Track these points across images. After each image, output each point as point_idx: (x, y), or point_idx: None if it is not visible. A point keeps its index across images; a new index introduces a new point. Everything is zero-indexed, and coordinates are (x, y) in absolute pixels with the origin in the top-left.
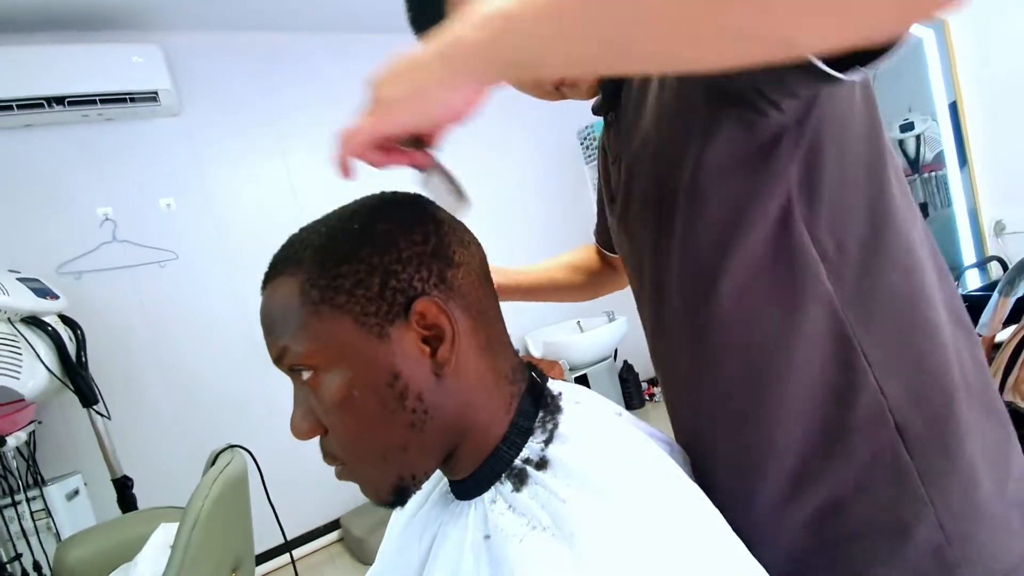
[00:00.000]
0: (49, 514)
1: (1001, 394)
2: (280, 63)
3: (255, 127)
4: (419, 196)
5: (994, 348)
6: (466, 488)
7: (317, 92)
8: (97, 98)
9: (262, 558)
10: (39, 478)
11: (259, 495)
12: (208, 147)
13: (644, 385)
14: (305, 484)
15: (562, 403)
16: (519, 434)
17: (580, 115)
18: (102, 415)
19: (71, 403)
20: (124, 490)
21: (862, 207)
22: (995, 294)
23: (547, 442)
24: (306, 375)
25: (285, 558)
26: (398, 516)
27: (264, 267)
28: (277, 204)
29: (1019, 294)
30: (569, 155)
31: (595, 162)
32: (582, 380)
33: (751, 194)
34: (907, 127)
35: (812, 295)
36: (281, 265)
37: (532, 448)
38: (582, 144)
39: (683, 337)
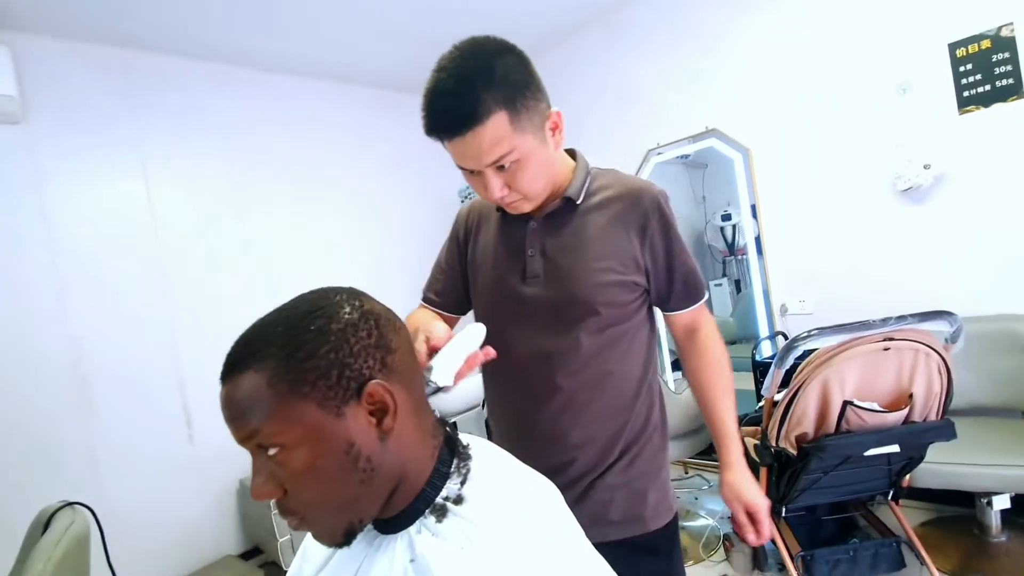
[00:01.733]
0: None
1: (776, 442)
2: (150, 85)
3: (114, 146)
4: (356, 291)
5: (773, 406)
6: (394, 524)
7: (191, 120)
8: None
9: None
10: None
11: (95, 556)
12: (52, 162)
13: None
14: (136, 544)
15: (471, 452)
16: (440, 477)
17: (460, 174)
18: None
19: None
20: None
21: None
22: (772, 366)
23: (462, 483)
24: (273, 451)
25: None
26: (303, 566)
27: (105, 297)
28: (132, 231)
29: (787, 366)
30: (447, 209)
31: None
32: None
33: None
34: (726, 217)
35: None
36: (247, 360)
37: (450, 488)
38: (461, 201)
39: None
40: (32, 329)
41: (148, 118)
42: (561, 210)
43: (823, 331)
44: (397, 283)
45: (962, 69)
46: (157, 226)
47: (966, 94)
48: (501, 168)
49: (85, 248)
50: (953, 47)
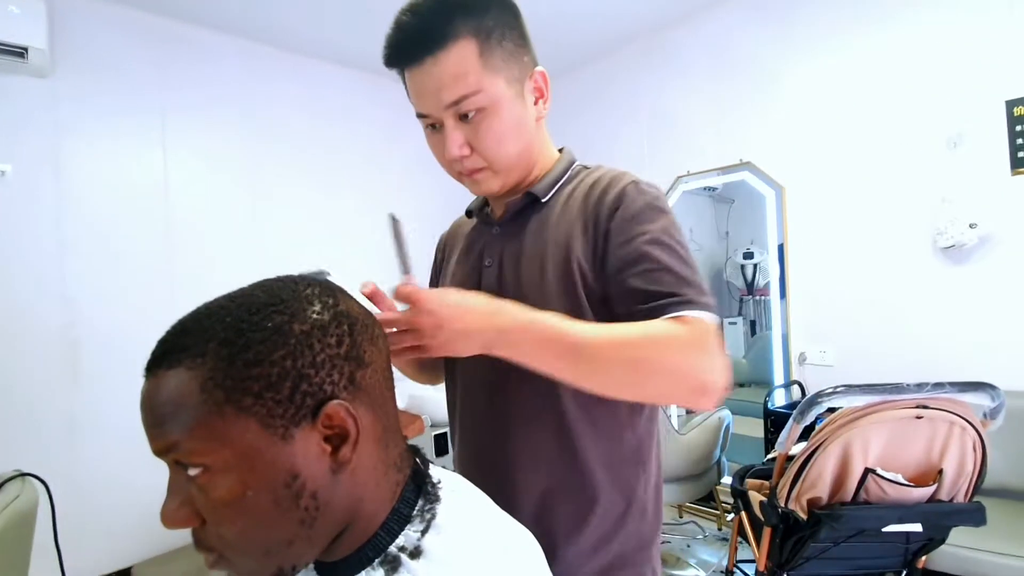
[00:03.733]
0: None
1: (785, 503)
2: (179, 54)
3: (137, 112)
4: (333, 286)
5: (786, 462)
6: (335, 570)
7: (215, 94)
8: None
9: None
10: None
11: (43, 532)
12: (73, 120)
13: None
14: (96, 524)
15: (441, 492)
16: (398, 521)
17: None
18: None
19: None
20: None
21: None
22: (790, 420)
23: (424, 531)
24: (194, 472)
25: None
26: None
27: (107, 262)
28: (143, 197)
29: (807, 423)
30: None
31: None
32: (441, 438)
33: None
34: (748, 255)
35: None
36: (178, 353)
37: (409, 536)
38: None
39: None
40: (28, 283)
41: (174, 87)
42: (523, 209)
43: (850, 389)
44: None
45: (1019, 128)
46: (169, 196)
47: (1021, 154)
48: (464, 119)
49: (93, 208)
50: (1011, 104)
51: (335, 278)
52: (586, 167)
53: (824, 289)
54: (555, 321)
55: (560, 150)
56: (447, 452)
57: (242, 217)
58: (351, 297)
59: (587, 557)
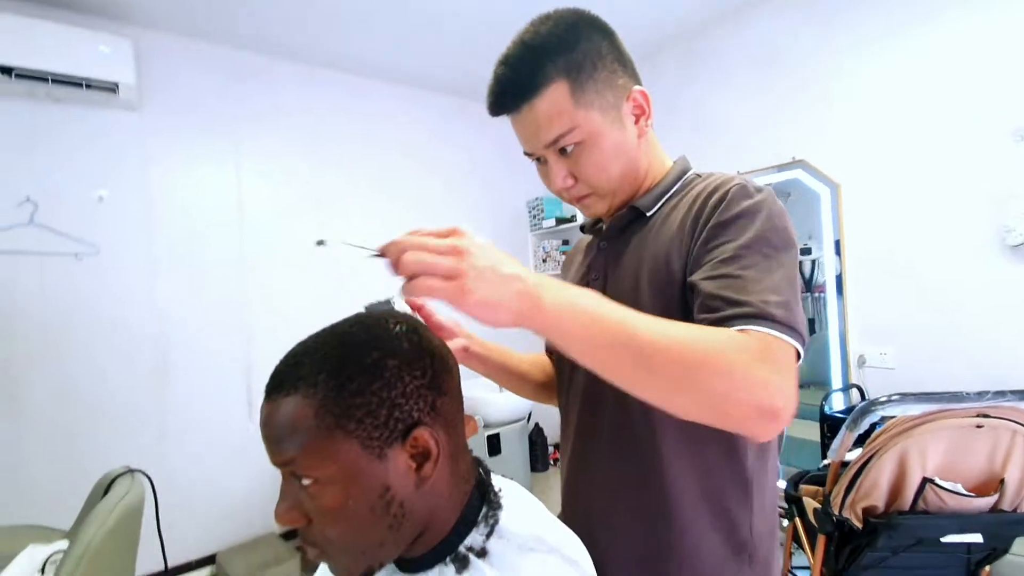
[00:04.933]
0: None
1: (840, 510)
2: (246, 82)
3: (211, 133)
4: (416, 322)
5: (840, 468)
6: (413, 565)
7: (279, 116)
8: (50, 77)
9: None
10: None
11: (146, 521)
12: (159, 148)
13: (551, 449)
14: (184, 514)
15: (503, 500)
16: (466, 525)
17: (530, 186)
18: None
19: None
20: None
21: None
22: (843, 428)
23: (488, 535)
24: (306, 482)
25: None
26: None
27: (191, 276)
28: (220, 218)
29: (862, 431)
30: (515, 220)
31: (539, 231)
32: (494, 438)
33: None
34: (806, 251)
35: (740, 444)
36: (294, 383)
37: (475, 538)
38: (530, 212)
39: (635, 441)
40: (124, 301)
41: (243, 112)
42: (628, 224)
43: (906, 397)
44: None
45: None
46: (243, 215)
47: None
48: (564, 153)
49: (177, 228)
50: None
51: (398, 305)
52: (699, 175)
53: (884, 289)
54: (606, 302)
55: (677, 160)
56: (499, 452)
57: (309, 229)
58: (430, 331)
59: None
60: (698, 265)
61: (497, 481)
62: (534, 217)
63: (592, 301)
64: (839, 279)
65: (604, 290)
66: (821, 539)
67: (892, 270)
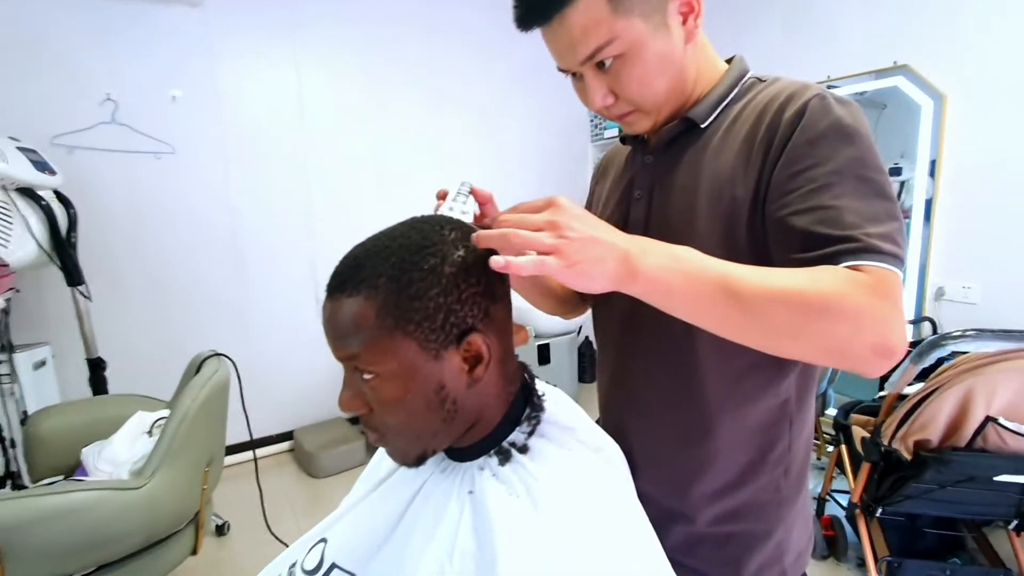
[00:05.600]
0: (13, 379)
1: (889, 442)
2: None
3: (272, 33)
4: (466, 229)
5: (896, 400)
6: (461, 454)
7: (338, 13)
8: None
9: None
10: (8, 344)
11: (233, 400)
12: (223, 44)
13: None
14: (264, 396)
15: (545, 403)
16: (510, 422)
17: None
18: (85, 296)
19: (50, 277)
20: (97, 371)
21: None
22: (907, 360)
23: (530, 433)
24: (367, 376)
25: (239, 456)
26: (369, 474)
27: (260, 174)
28: (282, 114)
29: (926, 365)
30: (576, 130)
31: (601, 141)
32: (544, 348)
33: None
34: (896, 171)
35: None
36: (356, 283)
37: (518, 436)
38: (591, 122)
39: (674, 355)
40: (201, 198)
41: (301, 8)
42: (678, 136)
43: (982, 334)
44: (511, 199)
45: None
46: (304, 113)
47: None
48: (601, 67)
49: (246, 130)
50: None
51: (469, 182)
52: (761, 80)
53: (978, 217)
54: (704, 257)
55: (730, 60)
56: (548, 361)
57: (367, 131)
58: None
59: (709, 501)
60: (781, 195)
61: (540, 386)
62: (595, 127)
63: (690, 260)
64: (928, 204)
65: (649, 210)
66: (865, 467)
67: (990, 198)
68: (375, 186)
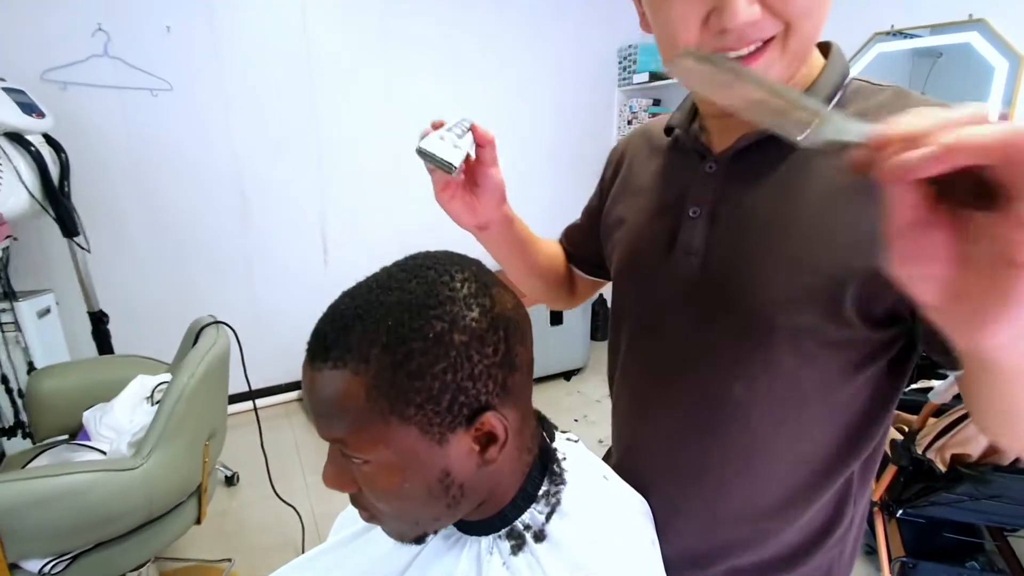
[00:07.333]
0: (18, 328)
1: (924, 452)
2: None
3: None
4: (485, 277)
5: (936, 412)
6: (468, 527)
7: None
8: None
9: None
10: (10, 291)
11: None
12: None
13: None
14: (270, 345)
15: (567, 475)
16: (525, 499)
17: (625, 32)
18: (83, 248)
19: (49, 225)
20: (99, 324)
21: None
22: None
23: (549, 515)
24: (357, 460)
25: (248, 404)
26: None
27: (263, 116)
28: (285, 46)
29: None
30: (602, 72)
31: (628, 85)
32: (557, 313)
33: None
34: None
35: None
36: (342, 353)
37: (534, 516)
38: (620, 63)
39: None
40: (201, 139)
41: None
42: (764, 142)
43: None
44: (533, 149)
45: None
46: (309, 47)
47: None
48: None
49: (248, 68)
50: None
51: (471, 119)
52: (868, 83)
53: None
54: None
55: (824, 48)
56: (561, 322)
57: (378, 76)
58: (503, 286)
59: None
60: None
61: (561, 445)
62: (624, 69)
63: None
64: None
65: (710, 234)
66: (891, 468)
67: None
68: (387, 126)
